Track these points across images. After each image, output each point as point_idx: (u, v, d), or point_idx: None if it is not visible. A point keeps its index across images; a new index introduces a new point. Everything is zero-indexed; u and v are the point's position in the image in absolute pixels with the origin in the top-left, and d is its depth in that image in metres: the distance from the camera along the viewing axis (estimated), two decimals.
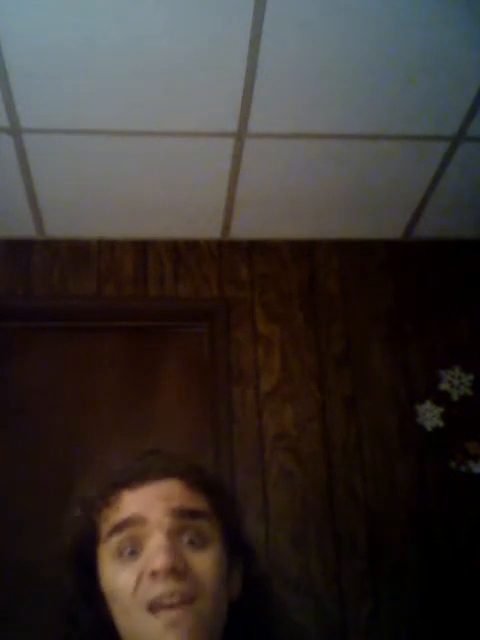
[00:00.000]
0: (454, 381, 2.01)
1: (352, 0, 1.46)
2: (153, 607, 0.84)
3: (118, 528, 0.90)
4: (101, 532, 0.93)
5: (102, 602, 0.90)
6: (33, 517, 1.78)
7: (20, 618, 1.67)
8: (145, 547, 0.88)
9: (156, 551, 0.86)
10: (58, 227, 2.09)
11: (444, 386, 2.01)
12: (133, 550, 0.89)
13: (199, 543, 0.90)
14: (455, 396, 1.99)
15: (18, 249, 2.10)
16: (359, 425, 1.96)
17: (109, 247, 2.13)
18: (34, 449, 1.91)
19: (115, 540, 0.90)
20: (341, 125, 1.76)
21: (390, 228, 2.17)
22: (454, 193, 2.01)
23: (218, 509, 0.96)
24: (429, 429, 1.96)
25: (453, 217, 2.12)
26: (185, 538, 0.90)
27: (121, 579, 0.87)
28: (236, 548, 0.97)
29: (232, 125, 1.75)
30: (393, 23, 1.51)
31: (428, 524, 1.87)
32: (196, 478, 0.97)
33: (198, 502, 0.94)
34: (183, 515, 0.90)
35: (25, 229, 2.08)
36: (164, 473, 0.96)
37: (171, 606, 0.83)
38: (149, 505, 0.91)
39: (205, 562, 0.89)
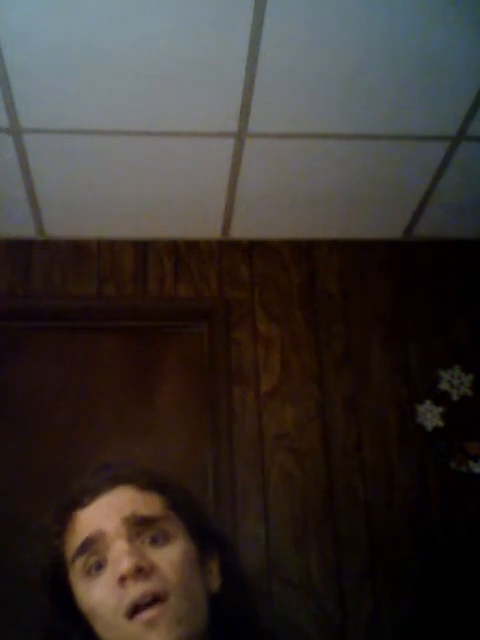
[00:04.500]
0: (454, 381, 2.01)
1: (352, 0, 1.46)
2: (129, 613, 0.84)
3: (80, 551, 0.91)
4: (67, 557, 0.93)
5: (85, 622, 0.90)
6: (33, 517, 1.77)
7: (20, 618, 1.67)
8: (108, 558, 0.89)
9: (119, 557, 0.87)
10: (58, 227, 2.09)
11: (444, 386, 2.01)
12: (99, 564, 0.90)
13: (161, 541, 0.91)
14: (455, 396, 1.99)
15: (18, 249, 2.10)
16: (359, 425, 1.96)
17: (109, 247, 2.13)
18: (34, 449, 1.91)
19: (80, 561, 0.91)
20: (341, 125, 1.76)
21: (390, 228, 2.17)
22: (454, 193, 2.01)
23: (175, 506, 0.97)
24: (429, 429, 1.96)
25: (453, 217, 2.12)
26: (146, 539, 0.91)
27: (94, 595, 0.88)
28: (207, 541, 0.97)
29: (232, 125, 1.74)
30: (393, 23, 1.51)
31: (428, 524, 1.87)
32: (145, 480, 0.98)
33: (152, 504, 0.95)
34: (138, 523, 0.91)
35: (25, 229, 2.08)
36: (112, 483, 0.97)
37: (146, 607, 0.84)
38: (103, 518, 0.92)
39: (170, 557, 0.90)
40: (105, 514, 0.93)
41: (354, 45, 1.55)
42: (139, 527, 0.91)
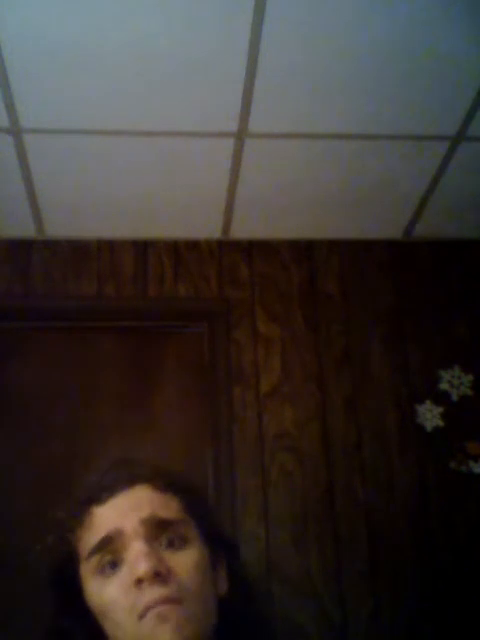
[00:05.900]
0: (454, 381, 2.01)
1: (352, 0, 1.46)
2: (143, 614, 0.84)
3: (97, 548, 0.90)
4: (80, 552, 0.93)
5: (92, 617, 0.90)
6: (33, 516, 1.77)
7: (19, 618, 1.67)
8: (125, 558, 0.89)
9: (137, 558, 0.86)
10: (58, 227, 2.09)
11: (444, 386, 2.01)
12: (114, 562, 0.89)
13: (178, 544, 0.91)
14: (455, 396, 1.99)
15: (18, 249, 2.10)
16: (359, 425, 1.96)
17: (109, 247, 2.13)
18: (34, 448, 1.91)
19: (95, 559, 0.90)
20: (341, 125, 1.76)
21: (390, 228, 2.17)
22: (454, 193, 2.01)
23: (191, 509, 0.96)
24: (429, 429, 1.96)
25: (453, 217, 2.12)
26: (163, 541, 0.90)
27: (107, 594, 0.88)
28: (217, 545, 0.97)
29: (232, 125, 1.74)
30: (393, 23, 1.51)
31: (428, 524, 1.87)
32: (164, 481, 0.97)
33: (170, 506, 0.94)
34: (156, 525, 0.91)
35: (25, 229, 2.08)
36: (131, 481, 0.96)
37: (158, 604, 0.84)
38: (121, 516, 0.91)
39: (186, 562, 0.89)
40: (123, 513, 0.92)
41: (354, 45, 1.55)
42: (157, 529, 0.90)
